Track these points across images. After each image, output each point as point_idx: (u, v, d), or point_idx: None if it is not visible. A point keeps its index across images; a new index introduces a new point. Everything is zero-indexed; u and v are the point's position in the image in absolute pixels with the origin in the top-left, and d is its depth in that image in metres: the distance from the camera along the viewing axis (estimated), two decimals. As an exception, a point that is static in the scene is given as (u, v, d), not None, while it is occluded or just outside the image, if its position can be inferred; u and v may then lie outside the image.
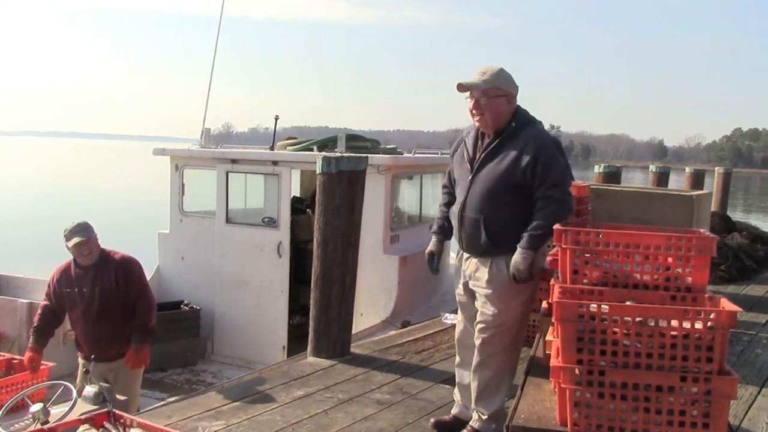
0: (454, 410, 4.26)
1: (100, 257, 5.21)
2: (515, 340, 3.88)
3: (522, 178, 3.65)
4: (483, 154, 3.77)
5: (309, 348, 5.67)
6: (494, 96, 3.68)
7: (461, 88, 3.73)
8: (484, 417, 3.90)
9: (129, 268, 5.26)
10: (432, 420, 4.33)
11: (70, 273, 5.28)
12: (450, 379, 5.15)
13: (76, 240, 5.09)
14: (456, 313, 6.97)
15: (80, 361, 5.46)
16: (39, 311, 5.44)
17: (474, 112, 3.73)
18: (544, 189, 3.63)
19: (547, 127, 4.01)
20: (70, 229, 5.14)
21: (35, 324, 5.40)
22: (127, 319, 5.26)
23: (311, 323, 5.66)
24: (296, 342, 7.93)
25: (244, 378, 5.22)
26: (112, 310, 5.21)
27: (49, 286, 5.40)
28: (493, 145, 3.75)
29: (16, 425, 4.52)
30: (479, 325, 3.86)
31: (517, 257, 3.64)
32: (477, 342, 3.89)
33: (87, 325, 5.30)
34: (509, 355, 3.88)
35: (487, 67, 3.74)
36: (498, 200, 3.71)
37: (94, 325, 5.27)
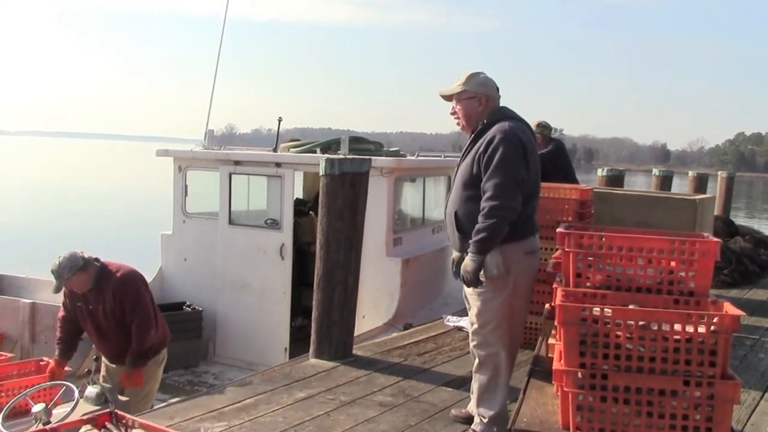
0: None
1: (99, 277, 5.18)
2: (507, 339, 3.84)
3: (478, 169, 3.72)
4: (463, 154, 3.91)
5: (311, 350, 5.67)
6: (465, 98, 3.84)
7: (443, 97, 3.93)
8: (485, 420, 3.90)
9: (124, 288, 5.18)
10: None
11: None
12: (452, 382, 5.15)
13: (56, 287, 5.15)
14: (458, 315, 7.00)
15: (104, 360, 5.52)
16: (59, 323, 5.46)
17: (452, 116, 3.92)
18: (484, 182, 3.67)
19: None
20: (54, 270, 5.09)
21: (59, 335, 5.43)
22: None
23: (313, 325, 5.66)
24: (298, 344, 7.94)
25: (246, 379, 5.22)
26: (118, 326, 5.25)
27: (64, 296, 5.42)
28: (468, 144, 3.87)
29: (18, 426, 4.52)
30: (471, 327, 3.95)
31: (466, 260, 3.69)
32: (471, 344, 3.96)
33: (99, 339, 5.40)
34: (504, 354, 3.86)
35: (464, 74, 3.89)
36: (466, 193, 3.80)
37: (105, 339, 5.34)
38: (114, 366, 5.41)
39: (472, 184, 3.75)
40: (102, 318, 5.23)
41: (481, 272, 3.67)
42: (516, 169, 3.64)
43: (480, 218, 3.62)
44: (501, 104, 3.92)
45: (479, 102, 3.82)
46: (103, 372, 5.43)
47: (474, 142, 3.80)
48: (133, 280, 5.27)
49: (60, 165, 75.65)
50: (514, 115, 3.86)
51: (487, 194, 3.62)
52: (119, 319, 5.21)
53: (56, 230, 22.59)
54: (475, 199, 3.72)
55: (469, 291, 3.89)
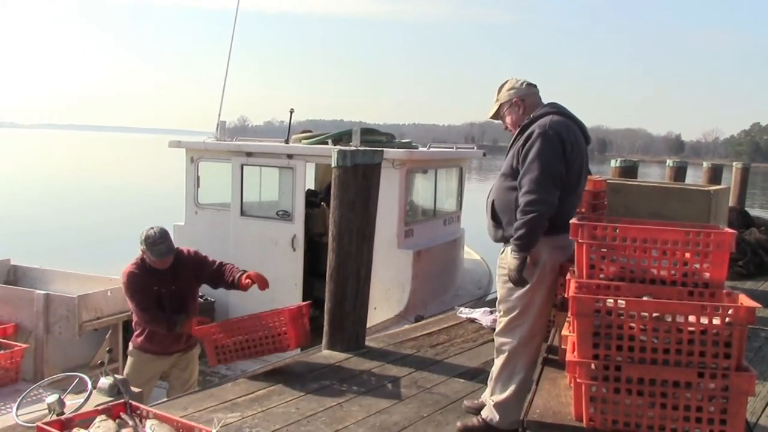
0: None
1: (173, 257, 5.25)
2: (527, 329, 3.83)
3: (518, 163, 3.76)
4: (508, 147, 3.98)
5: (324, 341, 5.68)
6: (506, 110, 4.00)
7: (493, 118, 4.12)
8: (491, 405, 3.93)
9: (197, 255, 5.46)
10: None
11: (149, 274, 5.20)
12: (465, 373, 5.15)
13: (158, 256, 5.12)
14: (470, 307, 6.99)
15: (143, 356, 5.38)
16: (147, 313, 5.17)
17: (506, 128, 4.07)
18: (520, 177, 3.71)
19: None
20: (154, 239, 5.08)
21: (161, 315, 5.17)
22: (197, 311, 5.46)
23: (326, 317, 5.67)
24: (310, 335, 7.95)
25: (259, 370, 5.24)
26: (191, 304, 5.34)
27: (136, 292, 5.17)
28: (514, 138, 3.93)
29: (31, 415, 4.55)
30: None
31: (510, 258, 3.72)
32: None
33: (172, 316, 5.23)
34: (522, 345, 3.85)
35: (498, 88, 4.04)
36: (504, 184, 3.85)
37: (182, 312, 5.27)
38: (176, 354, 5.42)
39: (512, 176, 3.80)
40: (185, 293, 5.31)
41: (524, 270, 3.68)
42: (551, 164, 3.64)
43: (517, 214, 3.66)
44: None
45: (517, 106, 3.95)
46: (167, 368, 5.45)
47: (519, 136, 3.85)
48: (198, 252, 5.55)
49: (73, 158, 76.01)
50: (561, 110, 3.86)
51: (523, 189, 3.65)
52: (194, 289, 5.41)
53: (69, 222, 22.75)
54: (513, 190, 3.77)
55: (496, 277, 3.99)
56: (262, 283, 5.26)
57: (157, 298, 5.22)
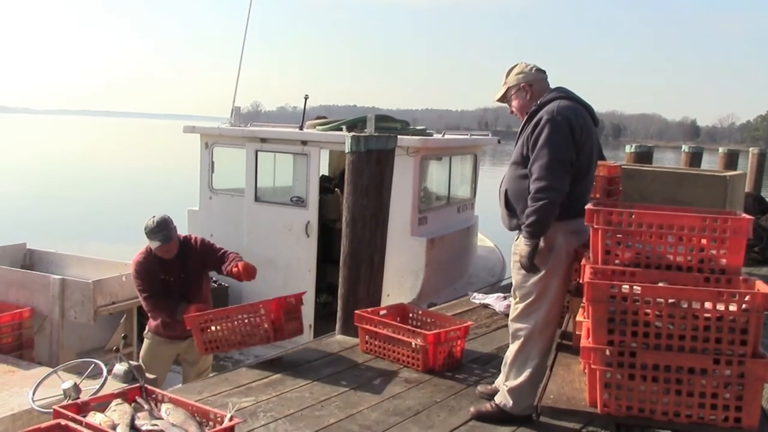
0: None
1: (180, 246, 5.25)
2: (542, 315, 3.83)
3: (527, 150, 3.75)
4: (518, 134, 3.94)
5: (337, 326, 5.70)
6: (513, 94, 3.98)
7: (499, 101, 4.11)
8: (504, 390, 3.93)
9: (204, 243, 5.38)
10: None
11: (156, 263, 5.24)
12: (478, 359, 5.16)
13: (157, 244, 5.13)
14: (484, 293, 6.98)
15: (158, 339, 5.43)
16: (155, 304, 5.25)
17: (512, 112, 4.06)
18: (531, 164, 3.69)
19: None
20: (152, 228, 5.12)
21: (165, 305, 5.23)
22: (208, 297, 5.44)
23: (340, 302, 5.68)
24: (323, 321, 7.98)
25: (273, 355, 5.26)
26: (199, 292, 5.34)
27: (142, 281, 5.25)
28: (522, 124, 3.90)
29: (47, 401, 4.59)
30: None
31: (520, 245, 3.74)
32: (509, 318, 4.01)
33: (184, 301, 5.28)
34: (537, 331, 3.85)
35: (507, 71, 4.03)
36: (516, 172, 3.84)
37: (193, 300, 5.29)
38: (186, 341, 5.37)
39: (523, 164, 3.78)
40: (193, 281, 5.31)
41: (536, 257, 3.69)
42: (561, 150, 3.63)
43: (528, 201, 3.65)
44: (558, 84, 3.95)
45: (525, 91, 3.92)
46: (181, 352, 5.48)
47: (527, 123, 3.83)
48: (204, 240, 5.47)
49: (88, 143, 76.37)
50: (569, 94, 3.84)
51: (533, 176, 3.65)
52: (202, 282, 5.40)
53: (85, 207, 22.88)
54: (525, 178, 3.76)
55: (510, 264, 3.99)
56: (247, 273, 5.14)
57: (165, 287, 5.25)
